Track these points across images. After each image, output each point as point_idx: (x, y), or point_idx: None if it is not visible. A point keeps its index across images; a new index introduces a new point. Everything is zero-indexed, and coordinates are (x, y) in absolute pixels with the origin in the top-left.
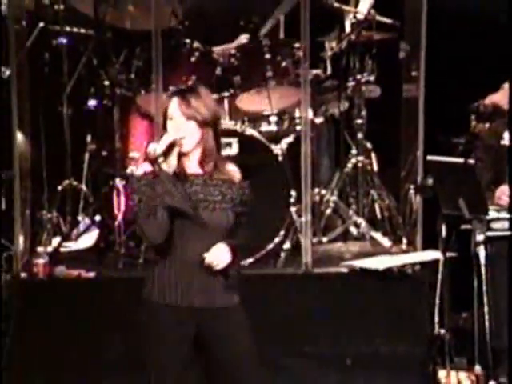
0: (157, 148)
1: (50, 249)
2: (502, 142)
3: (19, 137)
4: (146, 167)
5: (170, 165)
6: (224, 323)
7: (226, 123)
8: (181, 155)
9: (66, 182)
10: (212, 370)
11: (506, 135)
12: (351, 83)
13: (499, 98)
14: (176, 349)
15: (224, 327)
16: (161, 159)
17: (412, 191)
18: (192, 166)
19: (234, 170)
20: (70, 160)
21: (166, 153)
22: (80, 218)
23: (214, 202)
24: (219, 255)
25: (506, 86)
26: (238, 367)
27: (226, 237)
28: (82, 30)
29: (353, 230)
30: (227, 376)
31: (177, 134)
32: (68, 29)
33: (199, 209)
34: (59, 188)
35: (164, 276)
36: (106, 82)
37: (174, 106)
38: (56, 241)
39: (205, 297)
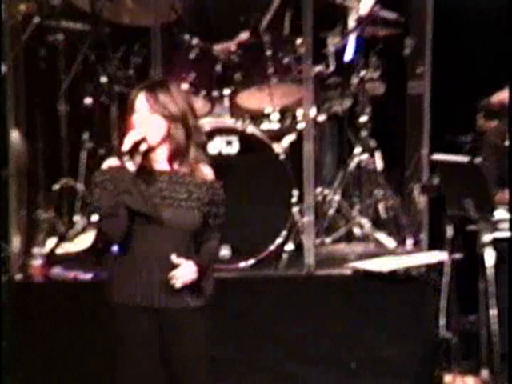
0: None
1: (46, 250)
2: (507, 143)
3: (15, 135)
4: (113, 162)
5: (134, 162)
6: (178, 324)
7: (227, 121)
8: (148, 151)
9: (63, 180)
10: (167, 370)
11: None
12: (355, 80)
13: (506, 95)
14: (139, 348)
15: (177, 328)
16: (126, 157)
17: (417, 191)
18: (160, 162)
19: (207, 170)
20: (66, 158)
21: (132, 150)
22: (77, 218)
23: (179, 199)
24: (184, 274)
25: None
26: (183, 371)
27: (191, 238)
28: (79, 26)
29: (356, 230)
30: (174, 377)
31: (141, 127)
32: (64, 24)
33: (163, 206)
34: (55, 187)
35: (124, 275)
36: (104, 79)
37: (141, 99)
38: (52, 241)
39: (165, 297)
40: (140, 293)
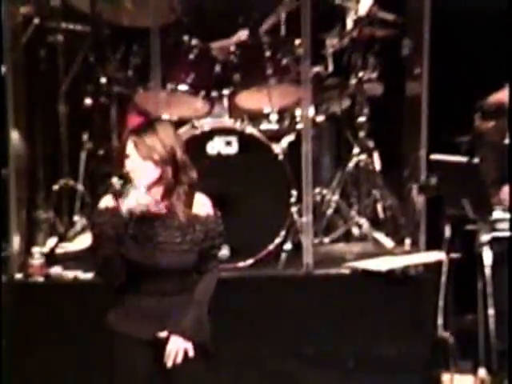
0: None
1: (45, 249)
2: (507, 141)
3: (14, 135)
4: (109, 201)
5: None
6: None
7: (226, 121)
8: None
9: (62, 181)
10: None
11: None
12: (353, 81)
13: (504, 96)
14: (135, 376)
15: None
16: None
17: (415, 191)
18: (155, 203)
19: (203, 202)
20: (66, 159)
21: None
22: (76, 218)
23: (172, 244)
24: (173, 353)
25: None
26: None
27: (189, 274)
28: (79, 27)
29: (355, 230)
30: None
31: (134, 173)
32: (64, 25)
33: (158, 251)
34: (55, 187)
35: (120, 307)
36: (103, 80)
37: (131, 145)
38: (52, 241)
39: (157, 330)
40: (135, 326)
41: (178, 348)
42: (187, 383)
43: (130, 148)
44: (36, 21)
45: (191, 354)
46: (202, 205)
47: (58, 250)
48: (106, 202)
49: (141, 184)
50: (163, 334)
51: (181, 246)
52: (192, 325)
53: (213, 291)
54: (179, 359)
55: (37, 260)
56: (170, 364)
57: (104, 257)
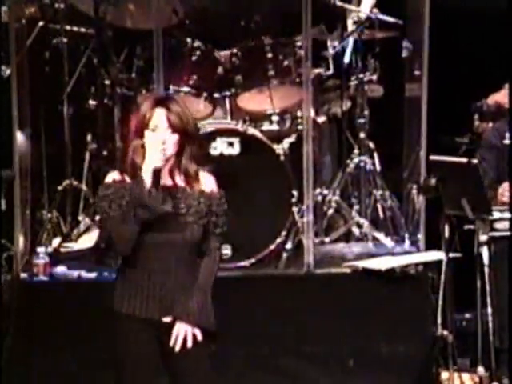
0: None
1: (50, 249)
2: (505, 142)
3: (19, 136)
4: (115, 175)
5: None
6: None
7: (228, 123)
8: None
9: (67, 181)
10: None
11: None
12: (353, 82)
13: (502, 97)
14: (141, 359)
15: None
16: (144, 175)
17: (415, 191)
18: (163, 176)
19: (208, 180)
20: (70, 160)
21: (154, 180)
22: (80, 218)
23: (179, 215)
24: (180, 337)
25: None
26: (186, 377)
27: (193, 251)
28: (83, 29)
29: (355, 230)
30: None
31: (158, 145)
32: (68, 28)
33: (161, 222)
34: (59, 188)
35: (126, 286)
36: (107, 82)
37: (161, 116)
38: (56, 241)
39: (165, 310)
40: (139, 305)
41: (185, 333)
42: (191, 368)
43: (158, 119)
44: (40, 23)
45: (200, 338)
46: (208, 181)
47: (63, 250)
48: (113, 176)
49: (170, 156)
50: (168, 319)
51: (185, 217)
52: (197, 310)
53: (216, 275)
54: (189, 344)
55: (41, 259)
56: (177, 348)
57: (114, 224)
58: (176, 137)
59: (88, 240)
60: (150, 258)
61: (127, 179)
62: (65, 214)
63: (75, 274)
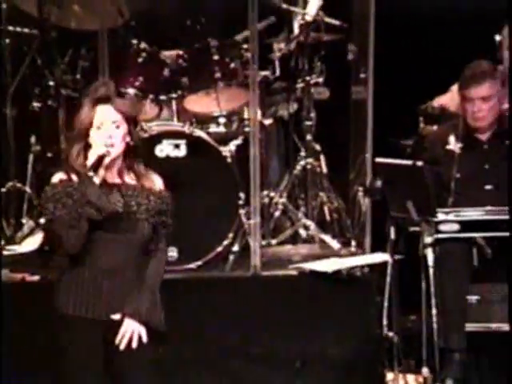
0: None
1: None
2: (448, 147)
3: None
4: (62, 175)
5: (99, 176)
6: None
7: (174, 124)
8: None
9: (10, 183)
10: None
11: (452, 139)
12: (300, 85)
13: (447, 99)
14: (87, 360)
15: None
16: (91, 173)
17: (361, 193)
18: (111, 176)
19: (155, 179)
20: (13, 161)
21: (96, 164)
22: (24, 220)
23: (129, 213)
24: (127, 335)
25: (454, 87)
26: (129, 378)
27: (142, 250)
28: (26, 30)
29: (302, 232)
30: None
31: (106, 142)
32: (11, 28)
33: (112, 220)
34: (3, 190)
35: (72, 285)
36: (51, 83)
37: (104, 112)
38: None
39: (112, 309)
40: (86, 305)
41: (132, 331)
42: (137, 366)
43: (102, 116)
44: None
45: (145, 338)
46: (156, 180)
47: (5, 253)
48: (59, 176)
49: (118, 149)
50: (117, 317)
51: (136, 214)
52: (147, 309)
53: (163, 274)
54: (135, 343)
55: None
56: (122, 347)
57: (69, 221)
58: (122, 131)
59: (32, 243)
60: (98, 257)
61: (74, 179)
62: (8, 217)
63: (19, 276)
